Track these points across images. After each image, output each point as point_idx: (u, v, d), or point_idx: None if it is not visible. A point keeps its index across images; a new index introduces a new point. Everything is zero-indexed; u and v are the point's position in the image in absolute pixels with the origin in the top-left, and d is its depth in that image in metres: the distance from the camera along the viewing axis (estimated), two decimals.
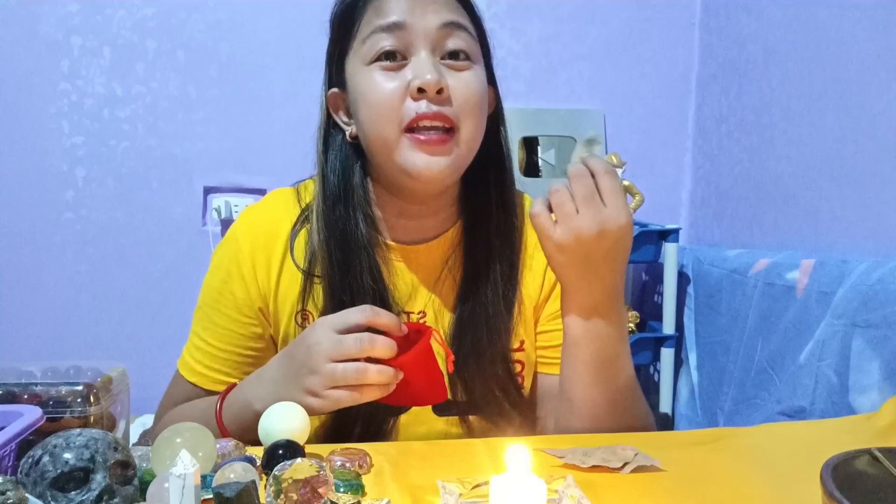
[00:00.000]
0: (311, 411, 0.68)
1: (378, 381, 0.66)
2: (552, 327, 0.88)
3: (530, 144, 1.98)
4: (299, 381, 0.68)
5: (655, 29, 2.04)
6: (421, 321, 0.84)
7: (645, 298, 2.05)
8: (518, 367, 0.87)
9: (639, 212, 1.77)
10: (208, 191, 1.97)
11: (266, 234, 0.83)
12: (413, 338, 0.71)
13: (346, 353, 0.66)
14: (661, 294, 1.82)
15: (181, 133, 1.93)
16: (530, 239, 0.87)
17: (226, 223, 1.98)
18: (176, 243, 1.95)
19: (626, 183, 1.86)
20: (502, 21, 1.99)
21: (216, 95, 1.93)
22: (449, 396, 0.77)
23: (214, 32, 1.92)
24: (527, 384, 0.88)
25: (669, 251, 1.75)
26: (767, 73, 1.64)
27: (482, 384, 0.82)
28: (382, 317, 0.69)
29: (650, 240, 1.76)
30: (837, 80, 1.38)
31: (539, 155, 2.02)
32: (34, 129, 1.88)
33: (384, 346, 0.67)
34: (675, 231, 1.75)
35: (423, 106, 0.73)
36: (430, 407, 0.84)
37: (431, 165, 0.74)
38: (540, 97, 1.98)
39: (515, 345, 0.86)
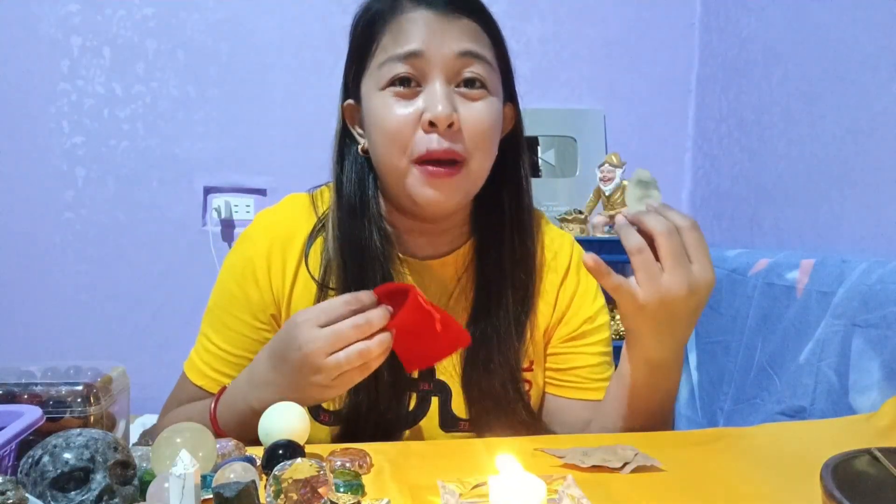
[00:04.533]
0: (326, 399, 0.70)
1: (381, 351, 0.66)
2: (563, 350, 0.88)
3: (530, 144, 1.99)
4: (303, 380, 0.68)
5: (655, 29, 2.05)
6: None
7: None
8: (526, 387, 0.87)
9: None
10: (208, 191, 1.97)
11: (282, 240, 0.83)
12: (394, 298, 0.70)
13: (347, 342, 0.66)
14: None
15: (181, 133, 1.93)
16: (542, 260, 0.87)
17: (226, 223, 1.98)
18: (176, 243, 1.95)
19: (625, 183, 1.87)
20: (502, 21, 1.98)
21: (216, 95, 1.94)
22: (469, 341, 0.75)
23: (214, 32, 1.92)
24: (534, 403, 0.88)
25: None
26: (767, 73, 1.64)
27: (491, 402, 0.82)
28: (366, 302, 0.68)
29: None
30: (837, 80, 1.38)
31: (539, 155, 2.02)
32: (34, 129, 1.88)
33: (380, 319, 0.66)
34: None
35: (433, 141, 0.73)
36: (436, 423, 0.84)
37: (439, 198, 0.75)
38: (540, 97, 1.98)
39: (525, 364, 0.86)
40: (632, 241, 0.65)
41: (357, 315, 0.66)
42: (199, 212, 1.97)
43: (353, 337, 0.66)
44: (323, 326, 0.66)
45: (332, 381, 0.67)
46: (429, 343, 0.70)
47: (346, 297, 0.68)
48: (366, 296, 0.68)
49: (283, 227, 0.84)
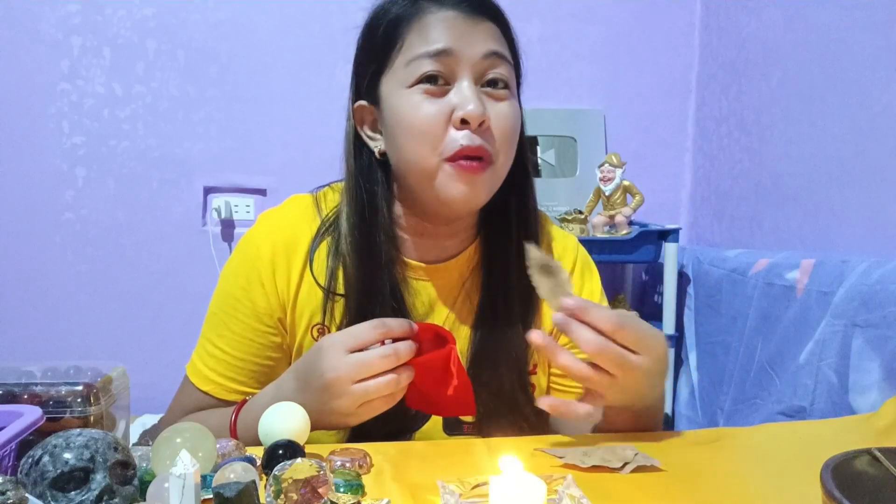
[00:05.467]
0: (345, 426, 0.70)
1: (407, 384, 0.67)
2: None
3: (530, 144, 1.98)
4: (325, 406, 0.67)
5: (655, 29, 2.05)
6: None
7: (645, 298, 2.05)
8: (530, 389, 0.86)
9: (639, 212, 1.78)
10: (208, 191, 1.97)
11: (286, 242, 0.82)
12: (430, 339, 0.71)
13: (372, 372, 0.66)
14: (661, 294, 1.82)
15: (181, 133, 1.93)
16: None
17: (226, 223, 1.98)
18: (176, 243, 1.95)
19: (625, 183, 1.87)
20: None
21: (216, 95, 1.93)
22: (474, 414, 0.76)
23: (214, 32, 1.92)
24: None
25: (669, 251, 1.75)
26: (767, 73, 1.64)
27: (496, 405, 0.82)
28: (395, 329, 0.68)
29: (650, 240, 1.76)
30: (837, 80, 1.38)
31: (539, 155, 2.02)
32: (34, 129, 1.88)
33: (407, 353, 0.67)
34: (675, 231, 1.75)
35: (467, 138, 0.73)
36: (440, 427, 0.84)
37: (469, 195, 0.75)
38: (540, 97, 1.98)
39: (528, 367, 0.86)
40: (577, 373, 0.65)
41: (385, 346, 0.67)
42: (199, 212, 1.97)
43: (379, 367, 0.66)
44: (350, 352, 0.67)
45: (357, 409, 0.67)
46: (436, 395, 0.71)
47: (374, 322, 0.68)
48: (396, 323, 0.69)
49: (287, 230, 0.83)
